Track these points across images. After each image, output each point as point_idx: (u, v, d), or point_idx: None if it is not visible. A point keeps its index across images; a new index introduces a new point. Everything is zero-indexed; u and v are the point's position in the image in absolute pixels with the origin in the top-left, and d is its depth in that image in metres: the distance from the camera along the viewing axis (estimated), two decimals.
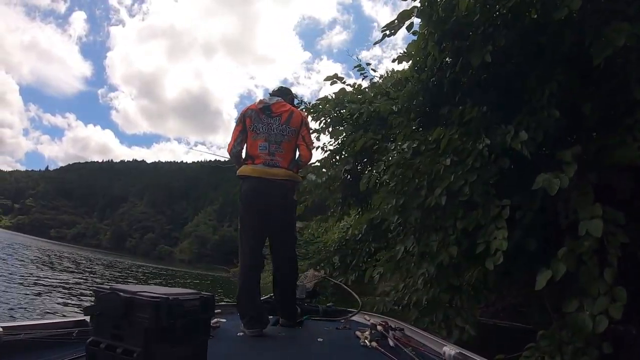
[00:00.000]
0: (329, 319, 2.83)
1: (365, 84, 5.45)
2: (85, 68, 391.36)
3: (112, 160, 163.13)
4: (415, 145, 3.11)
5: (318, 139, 5.37)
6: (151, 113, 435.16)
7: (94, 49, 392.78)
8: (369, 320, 2.44)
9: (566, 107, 2.59)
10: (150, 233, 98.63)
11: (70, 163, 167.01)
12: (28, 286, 8.84)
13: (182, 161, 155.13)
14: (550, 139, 2.62)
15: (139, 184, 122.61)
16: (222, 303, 3.12)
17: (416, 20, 3.09)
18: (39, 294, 7.94)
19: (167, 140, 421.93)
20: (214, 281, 23.68)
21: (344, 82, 5.24)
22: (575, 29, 2.61)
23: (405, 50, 3.76)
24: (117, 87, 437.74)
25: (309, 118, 5.21)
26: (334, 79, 5.10)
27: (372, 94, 5.00)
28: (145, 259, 60.56)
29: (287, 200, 2.39)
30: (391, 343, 1.89)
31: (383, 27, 2.99)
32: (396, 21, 2.91)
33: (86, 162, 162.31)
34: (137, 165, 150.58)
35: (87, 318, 1.47)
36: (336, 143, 5.31)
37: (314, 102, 5.54)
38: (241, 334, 2.12)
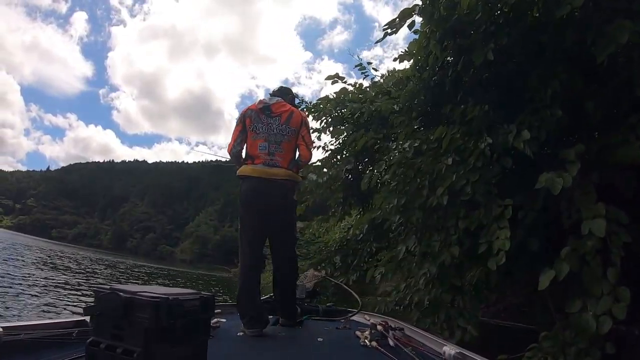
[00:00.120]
0: (329, 318, 2.83)
1: (366, 83, 5.45)
2: (86, 68, 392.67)
3: (113, 160, 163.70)
4: (416, 144, 3.10)
5: (319, 138, 5.38)
6: (152, 113, 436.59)
7: (95, 49, 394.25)
8: (369, 320, 2.44)
9: (568, 106, 2.57)
10: (152, 233, 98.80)
11: (72, 163, 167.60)
12: (28, 286, 8.85)
13: (183, 161, 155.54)
14: (552, 138, 2.61)
15: (140, 184, 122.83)
16: (222, 303, 3.12)
17: (417, 19, 3.08)
18: (39, 294, 7.95)
19: (168, 141, 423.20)
20: (215, 281, 23.68)
21: (345, 82, 5.24)
22: (576, 27, 2.59)
23: (407, 49, 3.74)
24: (119, 87, 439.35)
25: (310, 117, 5.21)
26: (335, 78, 5.10)
27: (373, 93, 5.00)
28: (146, 259, 60.62)
29: (287, 200, 2.39)
30: (391, 343, 1.89)
31: (384, 26, 2.98)
32: (397, 19, 2.90)
33: (87, 163, 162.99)
34: (139, 166, 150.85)
35: (87, 318, 1.47)
36: (337, 143, 5.31)
37: (315, 101, 5.54)
38: (241, 333, 2.12)
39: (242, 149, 2.47)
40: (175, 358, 1.00)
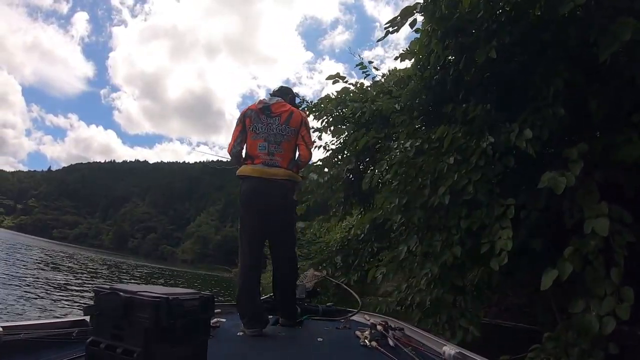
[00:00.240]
0: (328, 318, 2.82)
1: (367, 83, 5.44)
2: (87, 68, 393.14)
3: (114, 160, 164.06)
4: (418, 143, 3.09)
5: (320, 138, 5.37)
6: (153, 113, 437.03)
7: (97, 50, 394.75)
8: (368, 320, 2.43)
9: (570, 105, 2.56)
10: (153, 233, 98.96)
11: (73, 163, 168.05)
12: (29, 286, 8.86)
13: (184, 161, 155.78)
14: (554, 137, 2.59)
15: (141, 184, 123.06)
16: (222, 303, 3.12)
17: (419, 18, 3.07)
18: (40, 294, 7.96)
19: (169, 141, 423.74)
20: (216, 281, 23.70)
21: (346, 82, 5.23)
22: (578, 26, 2.58)
23: (408, 48, 3.73)
24: (120, 87, 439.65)
25: (311, 117, 5.20)
26: (336, 78, 5.09)
27: (375, 93, 4.98)
28: (147, 259, 60.76)
29: (287, 200, 2.39)
30: (391, 343, 1.89)
31: (386, 24, 2.98)
32: (399, 18, 2.90)
33: (89, 163, 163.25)
34: (140, 166, 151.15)
35: (87, 318, 1.46)
36: (338, 142, 5.29)
37: (316, 101, 5.53)
38: (241, 333, 2.12)
39: (242, 149, 2.47)
40: (175, 358, 1.00)
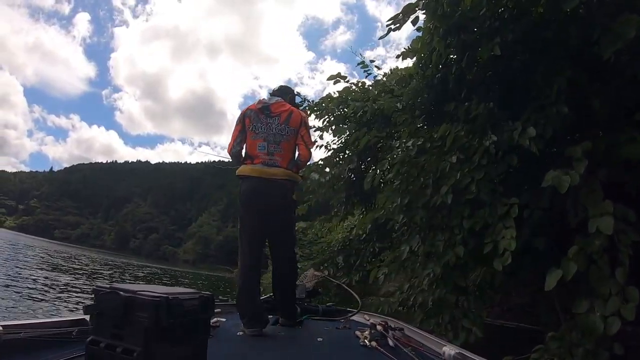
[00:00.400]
0: (328, 318, 2.82)
1: (369, 82, 5.42)
2: (89, 69, 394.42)
3: (116, 161, 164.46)
4: (420, 142, 3.07)
5: (321, 137, 5.35)
6: (155, 114, 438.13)
7: (98, 50, 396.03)
8: (368, 320, 2.44)
9: (573, 104, 2.54)
10: (154, 234, 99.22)
11: (75, 164, 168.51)
12: (30, 286, 8.87)
13: (186, 162, 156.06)
14: (557, 135, 2.58)
15: (143, 184, 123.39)
16: (222, 302, 3.11)
17: (421, 16, 3.06)
18: (41, 294, 7.97)
19: (171, 141, 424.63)
20: (217, 281, 23.71)
21: (347, 82, 5.21)
22: (580, 24, 2.57)
23: (410, 47, 3.71)
24: (121, 88, 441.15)
25: (312, 116, 5.19)
26: (337, 78, 5.07)
27: (376, 92, 4.97)
28: (149, 260, 60.90)
29: (287, 200, 2.39)
30: (391, 343, 1.88)
31: (388, 21, 2.95)
32: (401, 15, 2.88)
33: (90, 163, 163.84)
34: (141, 166, 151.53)
35: (87, 317, 1.46)
36: (339, 141, 5.28)
37: (317, 101, 5.51)
38: (241, 333, 2.12)
39: (242, 149, 2.47)
40: (175, 358, 1.00)
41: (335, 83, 5.11)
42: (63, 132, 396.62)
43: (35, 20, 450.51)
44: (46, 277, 11.21)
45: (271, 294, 2.68)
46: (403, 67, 5.21)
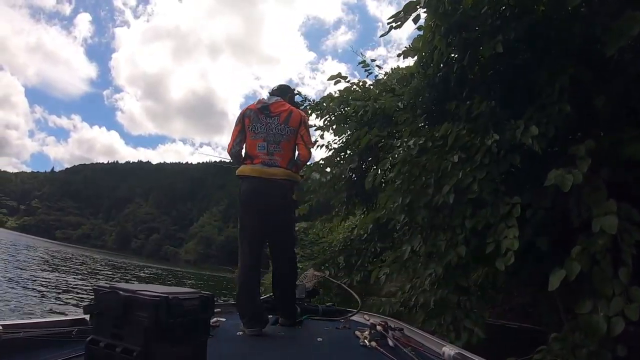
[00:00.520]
0: (328, 318, 2.82)
1: (370, 82, 5.41)
2: (90, 69, 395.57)
3: (117, 161, 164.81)
4: (421, 142, 3.06)
5: (322, 137, 5.34)
6: (156, 114, 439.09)
7: (99, 51, 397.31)
8: (368, 320, 2.44)
9: (575, 103, 2.53)
10: (156, 234, 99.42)
11: (76, 164, 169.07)
12: (31, 286, 8.89)
13: (187, 162, 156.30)
14: (560, 134, 2.56)
15: (144, 185, 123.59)
16: (222, 302, 3.12)
17: (422, 15, 3.04)
18: (42, 294, 7.98)
19: (172, 141, 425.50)
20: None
21: (348, 82, 5.19)
22: (582, 22, 2.55)
23: (411, 45, 3.70)
24: (123, 88, 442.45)
25: (313, 116, 5.18)
26: (337, 78, 5.05)
27: (377, 91, 4.95)
28: (150, 260, 61.00)
29: (287, 200, 2.40)
30: (390, 343, 1.88)
31: (389, 18, 2.94)
32: (402, 13, 2.87)
33: (92, 164, 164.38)
34: (143, 167, 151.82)
35: (87, 317, 1.47)
36: (340, 141, 5.26)
37: (318, 100, 5.50)
38: (241, 333, 2.12)
39: (242, 148, 2.47)
40: (174, 357, 1.00)
41: (335, 83, 5.10)
42: (64, 133, 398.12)
43: (37, 20, 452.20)
44: (47, 278, 11.23)
45: (271, 293, 2.68)
46: (404, 66, 5.20)
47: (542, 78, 2.66)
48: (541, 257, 2.60)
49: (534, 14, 2.85)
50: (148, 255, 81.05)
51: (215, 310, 1.98)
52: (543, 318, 3.27)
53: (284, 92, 2.62)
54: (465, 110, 2.91)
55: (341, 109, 5.08)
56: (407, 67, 4.86)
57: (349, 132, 4.96)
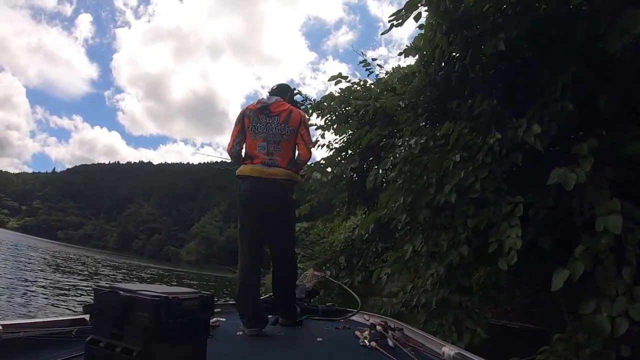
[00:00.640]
0: (328, 318, 2.81)
1: (371, 81, 5.40)
2: (91, 70, 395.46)
3: (118, 162, 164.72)
4: (423, 141, 3.05)
5: (323, 136, 5.33)
6: (158, 114, 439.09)
7: (100, 51, 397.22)
8: (368, 320, 2.43)
9: (577, 101, 2.52)
10: (157, 234, 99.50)
11: (77, 165, 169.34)
12: (32, 287, 8.90)
13: (188, 162, 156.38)
14: (562, 133, 2.55)
15: (145, 185, 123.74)
16: (222, 302, 3.12)
17: (423, 13, 3.03)
18: (42, 295, 7.99)
19: (173, 142, 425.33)
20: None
21: (349, 81, 5.19)
22: (584, 21, 2.54)
23: (412, 44, 3.69)
24: (124, 88, 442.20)
25: (314, 115, 5.17)
26: (338, 78, 5.05)
27: (378, 90, 4.94)
28: (152, 261, 61.08)
29: (287, 200, 2.39)
30: (390, 343, 1.88)
31: (390, 16, 2.93)
32: (403, 11, 2.86)
33: (93, 164, 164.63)
34: (144, 167, 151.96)
35: (87, 316, 1.46)
36: (341, 141, 5.26)
37: (319, 100, 5.49)
38: (241, 333, 2.12)
39: (242, 149, 2.47)
40: (174, 357, 1.00)
41: (336, 84, 5.09)
42: (65, 133, 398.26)
43: (38, 21, 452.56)
44: (48, 278, 11.24)
45: (271, 293, 2.68)
46: (405, 65, 5.19)
47: (544, 76, 2.65)
48: (544, 257, 2.59)
49: (535, 12, 2.83)
50: (149, 256, 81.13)
51: (215, 310, 1.98)
52: (546, 318, 3.25)
53: (284, 91, 2.62)
54: (467, 109, 2.90)
55: (342, 108, 5.07)
56: (408, 66, 4.86)
57: (350, 132, 4.96)
